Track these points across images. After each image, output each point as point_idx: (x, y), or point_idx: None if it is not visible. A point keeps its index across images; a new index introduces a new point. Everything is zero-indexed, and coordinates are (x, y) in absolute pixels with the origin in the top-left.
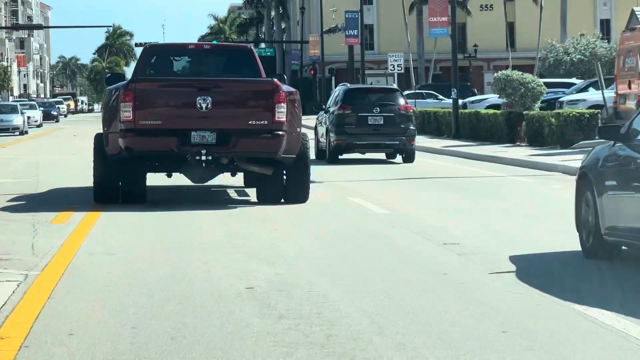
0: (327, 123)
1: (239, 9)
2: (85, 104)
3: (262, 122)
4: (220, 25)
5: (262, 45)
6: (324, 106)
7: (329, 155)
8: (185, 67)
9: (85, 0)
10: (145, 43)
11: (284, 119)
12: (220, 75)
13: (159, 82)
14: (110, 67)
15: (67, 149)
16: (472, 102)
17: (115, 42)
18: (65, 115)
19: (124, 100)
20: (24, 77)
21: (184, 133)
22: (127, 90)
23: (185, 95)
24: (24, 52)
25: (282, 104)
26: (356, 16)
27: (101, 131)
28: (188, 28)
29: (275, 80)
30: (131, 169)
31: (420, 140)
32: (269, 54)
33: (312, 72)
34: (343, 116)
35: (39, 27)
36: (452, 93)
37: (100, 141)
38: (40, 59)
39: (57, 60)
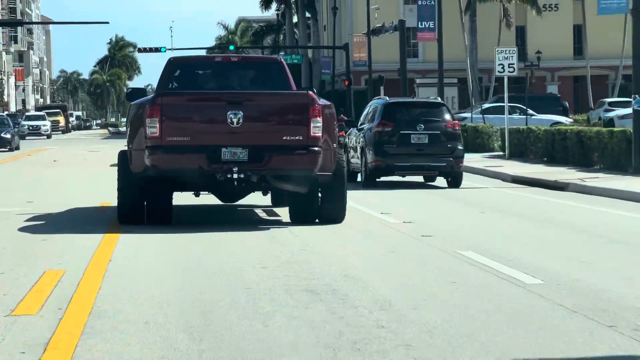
0: (362, 141)
1: (250, 21)
2: (82, 119)
3: (296, 138)
4: (230, 36)
5: (282, 53)
6: (354, 122)
7: (366, 178)
8: (211, 80)
9: (88, 12)
10: (147, 48)
11: (320, 134)
12: (249, 89)
13: (187, 96)
14: (111, 80)
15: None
16: (622, 117)
17: (117, 54)
18: (49, 136)
19: (150, 115)
20: (23, 91)
21: (213, 150)
22: (153, 105)
23: (215, 109)
24: (22, 66)
25: (318, 119)
26: (432, 2)
27: (117, 149)
28: (194, 39)
29: (311, 92)
30: (157, 188)
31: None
32: (295, 61)
33: (347, 82)
34: (382, 134)
35: (31, 23)
36: (634, 101)
37: (124, 159)
38: (40, 73)
39: (58, 75)
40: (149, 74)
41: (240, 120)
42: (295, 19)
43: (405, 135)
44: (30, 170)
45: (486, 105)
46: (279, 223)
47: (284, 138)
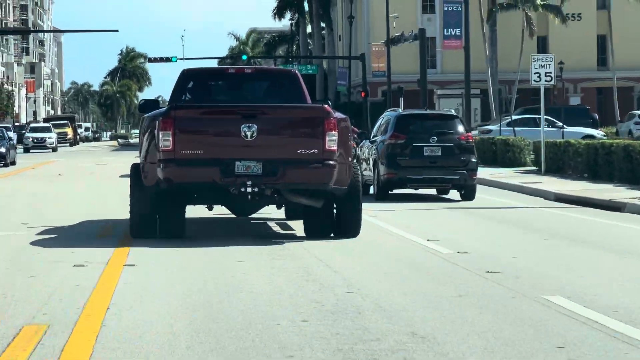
0: (375, 154)
1: (261, 33)
2: (91, 130)
3: (311, 151)
4: (242, 46)
5: (295, 64)
6: (366, 134)
7: (378, 191)
8: (225, 92)
9: (99, 23)
10: (158, 58)
11: (335, 147)
12: (263, 101)
13: (200, 108)
14: (122, 92)
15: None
16: None
17: (128, 65)
18: (55, 149)
19: (164, 128)
20: (34, 103)
21: (227, 163)
22: (166, 117)
23: (229, 122)
24: (34, 78)
25: (334, 132)
26: (459, 8)
27: (134, 161)
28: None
29: (326, 106)
30: (170, 202)
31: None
32: (310, 71)
33: (363, 94)
34: (395, 146)
35: (42, 31)
36: None
37: (137, 171)
38: (52, 84)
39: (69, 87)
40: (159, 85)
41: (255, 134)
42: (309, 29)
43: (418, 147)
44: (31, 185)
45: (514, 117)
46: (293, 237)
47: (299, 151)
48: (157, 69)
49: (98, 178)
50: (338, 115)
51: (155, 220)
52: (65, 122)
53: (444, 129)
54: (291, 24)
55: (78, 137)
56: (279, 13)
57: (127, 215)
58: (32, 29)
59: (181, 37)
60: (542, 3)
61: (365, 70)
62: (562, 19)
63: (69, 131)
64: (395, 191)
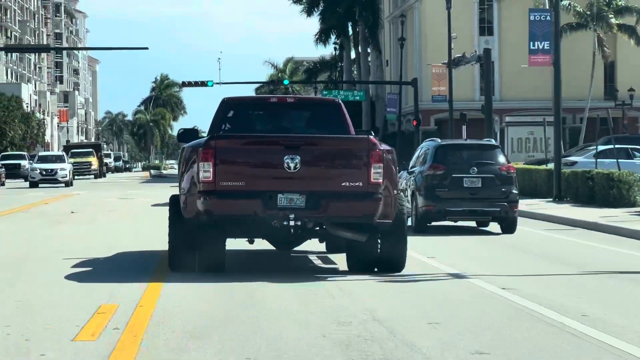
0: (413, 185)
1: (298, 62)
2: (122, 160)
3: (356, 184)
4: (280, 74)
5: (340, 91)
6: (404, 164)
7: (416, 223)
8: (266, 122)
9: (134, 52)
10: (189, 82)
11: (381, 180)
12: (305, 131)
13: (242, 139)
14: (155, 120)
15: None
16: None
17: (162, 93)
18: (69, 183)
19: (204, 159)
20: (67, 132)
21: (269, 195)
22: (207, 148)
23: (272, 153)
24: (67, 107)
25: (379, 164)
26: (548, 17)
27: (162, 195)
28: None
29: (371, 137)
30: (210, 235)
31: None
32: (357, 98)
33: (415, 122)
34: (434, 177)
35: (68, 48)
36: None
37: (176, 203)
38: (86, 114)
39: (104, 116)
40: (195, 115)
41: (298, 165)
42: (353, 54)
43: (458, 178)
44: (30, 227)
45: (601, 148)
46: (336, 272)
47: (343, 184)
48: (193, 98)
49: (119, 216)
50: (384, 146)
51: (194, 253)
52: (89, 150)
53: (484, 159)
54: (335, 48)
55: (105, 167)
56: (322, 38)
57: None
58: (67, 58)
59: (217, 60)
60: (617, 23)
61: (417, 96)
62: (637, 40)
63: (94, 161)
64: (434, 223)
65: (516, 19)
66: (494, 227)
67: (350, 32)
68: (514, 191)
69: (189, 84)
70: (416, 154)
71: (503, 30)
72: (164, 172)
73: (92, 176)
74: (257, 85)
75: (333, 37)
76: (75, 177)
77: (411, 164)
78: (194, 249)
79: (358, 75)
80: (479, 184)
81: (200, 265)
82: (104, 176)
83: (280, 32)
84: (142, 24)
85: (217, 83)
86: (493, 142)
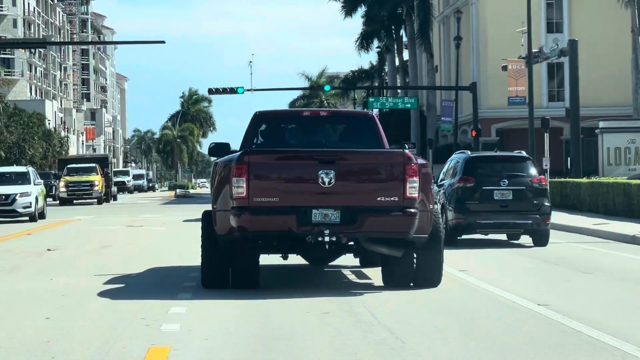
0: (443, 198)
1: (332, 77)
2: (146, 179)
3: (392, 199)
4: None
5: (388, 98)
6: (433, 177)
7: (446, 236)
8: (299, 136)
9: (163, 70)
10: (216, 89)
11: (417, 194)
12: (338, 145)
13: (276, 153)
14: (183, 136)
15: None
16: None
17: (191, 109)
18: (34, 217)
19: (237, 174)
20: (94, 150)
21: (304, 211)
22: (240, 163)
23: (306, 168)
24: (94, 124)
25: (415, 178)
26: None
27: (178, 222)
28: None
29: (407, 151)
30: (243, 251)
31: None
32: (408, 105)
33: (474, 133)
34: (464, 190)
35: (79, 43)
36: None
37: (209, 219)
38: (113, 132)
39: (132, 134)
40: (225, 132)
41: (332, 180)
42: (397, 62)
43: (488, 191)
44: None
45: None
46: (371, 287)
47: (378, 199)
48: (223, 115)
49: (110, 257)
50: (419, 160)
51: (228, 270)
52: (92, 165)
53: (515, 171)
54: (379, 52)
55: (115, 188)
56: (363, 44)
57: None
58: (94, 74)
59: (249, 63)
60: None
61: (477, 102)
62: None
63: (97, 180)
64: (464, 237)
65: (590, 17)
66: (525, 240)
67: (394, 36)
68: (546, 203)
69: (217, 91)
70: (445, 167)
71: (574, 28)
72: (191, 191)
73: (95, 200)
74: (291, 99)
75: (376, 42)
76: (74, 202)
77: (440, 176)
78: (227, 266)
79: (402, 81)
80: (509, 196)
81: (234, 282)
82: (113, 199)
83: (312, 48)
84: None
85: (248, 90)
86: (524, 154)
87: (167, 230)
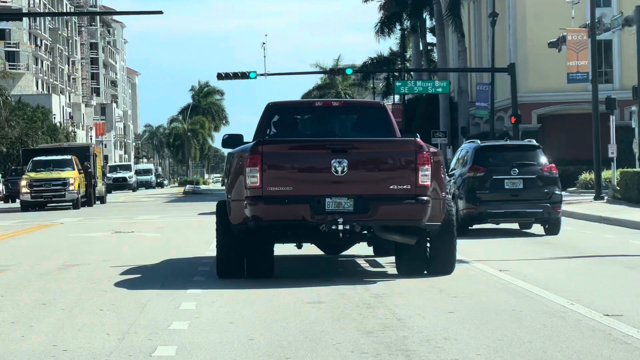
0: (453, 188)
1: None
2: (155, 174)
3: (404, 187)
4: (330, 79)
5: (416, 81)
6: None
7: (457, 226)
8: (311, 126)
9: (175, 62)
10: (226, 74)
11: (429, 182)
12: (350, 135)
13: (289, 143)
14: (194, 130)
15: None
16: None
17: (202, 102)
18: None
19: (251, 164)
20: (105, 147)
21: (317, 200)
22: (254, 153)
23: (319, 157)
24: (104, 119)
25: (427, 166)
26: None
27: (180, 225)
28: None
29: (418, 139)
30: (258, 241)
31: None
32: (439, 90)
33: (513, 119)
34: (474, 180)
35: (77, 14)
36: None
37: (223, 209)
38: (124, 127)
39: (144, 129)
40: (237, 126)
41: (345, 169)
42: (421, 47)
43: (499, 180)
44: None
45: None
46: (384, 276)
47: (391, 187)
48: (236, 109)
49: (62, 285)
50: (431, 149)
51: (243, 260)
52: (66, 158)
53: (525, 160)
54: (402, 34)
55: (102, 186)
56: (383, 28)
57: None
58: (103, 69)
59: (262, 45)
60: None
61: (515, 86)
62: None
63: (73, 177)
64: (475, 226)
65: None
66: (537, 229)
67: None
68: (557, 192)
69: (227, 76)
70: (455, 157)
71: (623, 2)
72: (202, 187)
73: (70, 205)
74: (306, 90)
75: (397, 27)
76: (47, 206)
77: (451, 166)
78: (242, 256)
79: (426, 63)
80: (520, 185)
81: (249, 271)
82: (102, 201)
83: (327, 43)
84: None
85: (261, 75)
86: (534, 142)
87: (161, 239)
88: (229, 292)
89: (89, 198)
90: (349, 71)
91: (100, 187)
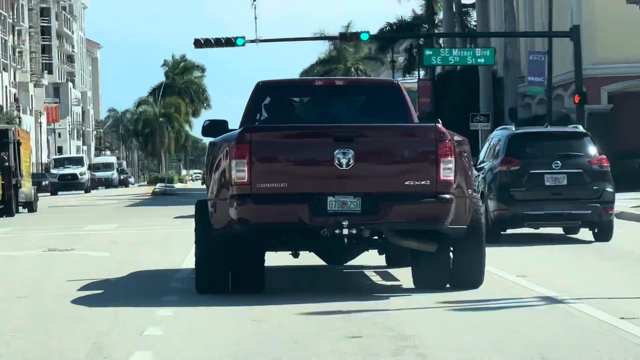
0: (482, 184)
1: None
2: (116, 170)
3: (422, 183)
4: (336, 49)
5: (435, 52)
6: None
7: (488, 231)
8: (310, 110)
9: (146, 33)
10: (206, 40)
11: (452, 177)
12: (358, 120)
13: (283, 130)
14: (167, 114)
15: None
16: None
17: (177, 80)
18: None
19: (237, 155)
20: (58, 135)
21: (317, 199)
22: (240, 142)
23: (319, 147)
24: (57, 103)
25: (450, 158)
26: None
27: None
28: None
29: (439, 125)
30: (246, 248)
31: None
32: (481, 60)
33: (577, 98)
34: (507, 174)
35: None
36: None
37: (203, 210)
38: (83, 112)
39: (107, 115)
40: (222, 113)
41: (351, 161)
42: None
43: (537, 175)
44: None
45: None
46: (399, 290)
47: (407, 183)
48: (220, 92)
49: None
50: (455, 137)
51: (227, 271)
52: None
53: (570, 150)
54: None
55: (29, 189)
56: None
57: None
58: (57, 40)
59: (252, 4)
60: None
61: (580, 55)
62: None
63: None
64: (509, 231)
65: None
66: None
67: None
68: (609, 189)
69: (208, 44)
70: (485, 146)
71: None
72: (178, 186)
73: None
74: (308, 65)
75: None
76: None
77: (480, 158)
78: (226, 267)
79: (460, 29)
80: (564, 181)
81: (235, 285)
82: (31, 209)
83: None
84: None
85: (251, 41)
86: (581, 128)
87: (109, 261)
88: (208, 312)
89: (8, 204)
90: (364, 36)
91: (27, 188)
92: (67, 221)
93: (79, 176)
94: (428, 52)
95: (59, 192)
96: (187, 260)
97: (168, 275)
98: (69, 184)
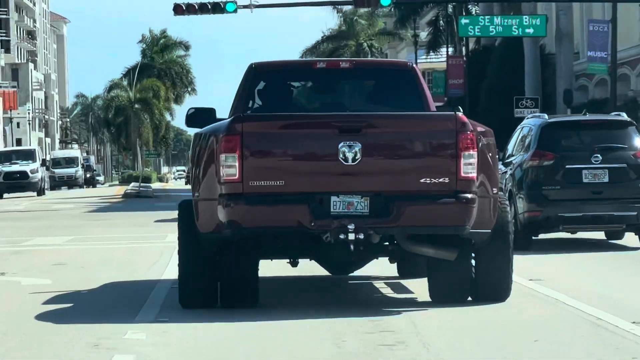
0: (510, 182)
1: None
2: (80, 166)
3: (440, 180)
4: (346, 24)
5: (472, 21)
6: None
7: (516, 236)
8: (311, 96)
9: (117, 3)
10: (188, 5)
11: (474, 174)
12: (366, 109)
13: (279, 120)
14: (144, 100)
15: None
16: None
17: (156, 60)
18: None
19: (227, 149)
20: (17, 126)
21: (319, 199)
22: (230, 133)
23: (322, 139)
24: (16, 87)
25: (472, 152)
26: None
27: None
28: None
29: (460, 114)
30: (237, 255)
31: None
32: (528, 31)
33: None
34: (539, 170)
35: None
36: None
37: (188, 212)
38: (46, 98)
39: (74, 102)
40: (209, 100)
41: (358, 156)
42: None
43: (574, 171)
44: None
45: None
46: (413, 304)
47: (422, 181)
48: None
49: None
50: (478, 127)
51: (215, 282)
52: None
53: (612, 142)
54: None
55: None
56: None
57: None
58: (15, 11)
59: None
60: None
61: None
62: None
63: None
64: (541, 236)
65: None
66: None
67: None
68: None
69: (190, 10)
70: (514, 138)
71: None
72: (155, 186)
73: None
74: (312, 43)
75: None
76: None
77: (508, 151)
78: (214, 278)
79: None
80: (605, 177)
81: (224, 298)
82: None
83: None
84: None
85: (244, 7)
86: (624, 116)
87: (44, 297)
88: (191, 330)
89: None
90: (385, 1)
91: None
92: (7, 232)
93: (30, 174)
94: (464, 21)
95: (5, 195)
96: (160, 289)
97: (130, 311)
98: (17, 184)
